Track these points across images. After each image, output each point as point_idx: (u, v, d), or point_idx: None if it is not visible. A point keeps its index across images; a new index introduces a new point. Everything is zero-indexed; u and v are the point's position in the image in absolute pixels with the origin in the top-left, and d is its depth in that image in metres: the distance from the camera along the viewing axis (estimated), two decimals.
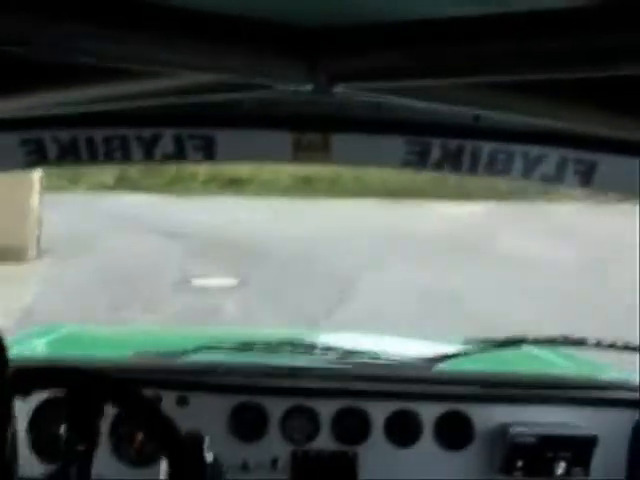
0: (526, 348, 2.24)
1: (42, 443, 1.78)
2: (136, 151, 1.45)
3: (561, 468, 1.80)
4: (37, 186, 9.59)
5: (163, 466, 1.48)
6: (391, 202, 12.82)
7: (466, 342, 2.14)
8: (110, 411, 1.70)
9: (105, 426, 1.78)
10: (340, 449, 1.86)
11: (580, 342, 2.00)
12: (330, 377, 1.91)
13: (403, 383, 1.90)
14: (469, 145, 1.45)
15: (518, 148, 1.45)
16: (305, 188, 13.99)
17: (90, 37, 0.79)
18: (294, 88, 0.97)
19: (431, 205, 12.94)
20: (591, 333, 1.99)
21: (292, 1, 0.83)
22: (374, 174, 12.82)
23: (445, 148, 1.45)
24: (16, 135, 1.40)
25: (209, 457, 1.47)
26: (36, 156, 1.43)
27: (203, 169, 13.43)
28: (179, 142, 1.45)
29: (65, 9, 0.75)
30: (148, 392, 1.76)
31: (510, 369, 2.11)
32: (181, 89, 1.04)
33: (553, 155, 1.44)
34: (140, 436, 1.77)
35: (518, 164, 1.46)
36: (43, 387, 1.63)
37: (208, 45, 0.86)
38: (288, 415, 1.85)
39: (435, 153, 1.45)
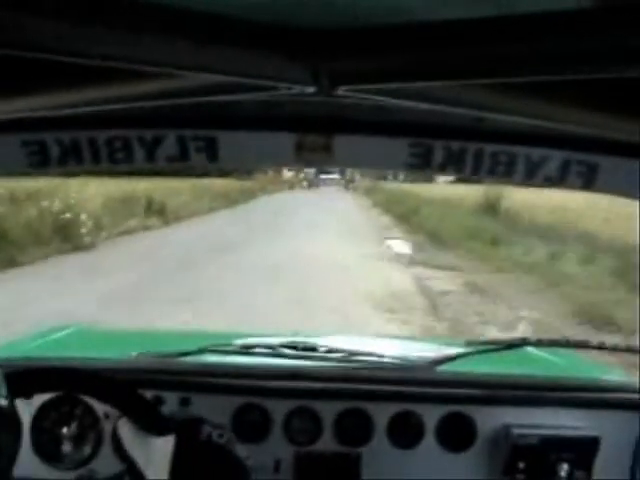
0: (528, 350, 2.24)
1: (44, 444, 1.79)
2: (139, 153, 1.45)
3: (564, 470, 1.80)
4: None
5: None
6: None
7: (468, 344, 2.14)
8: (113, 412, 1.71)
9: (108, 426, 1.79)
10: (343, 451, 1.86)
11: (582, 344, 2.00)
12: (332, 379, 1.91)
13: (405, 385, 1.90)
14: (472, 147, 1.44)
15: (521, 150, 1.45)
16: None
17: (92, 38, 0.79)
18: (297, 90, 0.98)
19: None
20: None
21: (294, 3, 0.83)
22: None
23: (448, 150, 1.45)
24: (18, 137, 1.41)
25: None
26: (38, 158, 1.43)
27: None
28: (182, 144, 1.45)
29: (67, 9, 0.75)
30: (151, 393, 1.77)
31: (512, 371, 2.10)
32: (184, 91, 1.04)
33: (556, 157, 1.44)
34: None
35: (521, 166, 1.46)
36: (41, 390, 1.64)
37: (210, 47, 0.86)
38: (291, 417, 1.85)
39: (438, 155, 1.45)
